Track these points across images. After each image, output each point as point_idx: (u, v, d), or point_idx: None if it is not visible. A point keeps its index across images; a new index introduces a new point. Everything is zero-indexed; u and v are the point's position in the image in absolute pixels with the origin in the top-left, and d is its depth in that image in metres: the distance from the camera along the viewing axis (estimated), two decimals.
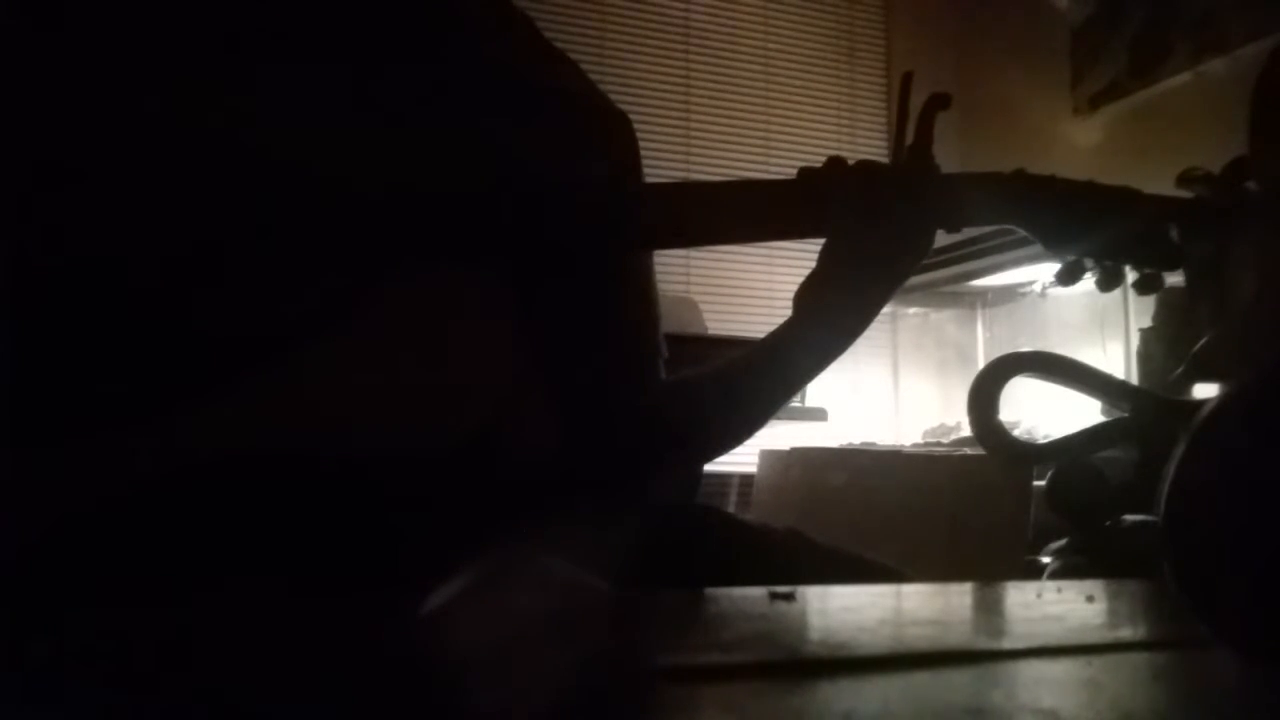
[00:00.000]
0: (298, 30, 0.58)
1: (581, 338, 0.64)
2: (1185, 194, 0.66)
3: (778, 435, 2.61)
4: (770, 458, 2.66)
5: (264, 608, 0.44)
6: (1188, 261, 0.65)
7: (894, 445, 2.81)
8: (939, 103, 0.71)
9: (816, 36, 3.36)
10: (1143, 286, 0.71)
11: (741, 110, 3.24)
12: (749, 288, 3.05)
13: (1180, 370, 0.52)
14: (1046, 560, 0.91)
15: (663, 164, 3.03)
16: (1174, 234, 0.68)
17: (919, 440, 2.84)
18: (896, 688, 0.33)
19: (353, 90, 0.57)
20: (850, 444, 2.79)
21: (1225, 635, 0.34)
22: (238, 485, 0.49)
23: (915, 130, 0.71)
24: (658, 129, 3.08)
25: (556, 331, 0.61)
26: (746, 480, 2.69)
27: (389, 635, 0.38)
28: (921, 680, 0.34)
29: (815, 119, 3.32)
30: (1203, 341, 0.52)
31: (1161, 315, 1.87)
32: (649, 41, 3.15)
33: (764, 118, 3.26)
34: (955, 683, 0.34)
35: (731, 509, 2.57)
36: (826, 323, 0.72)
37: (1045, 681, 0.35)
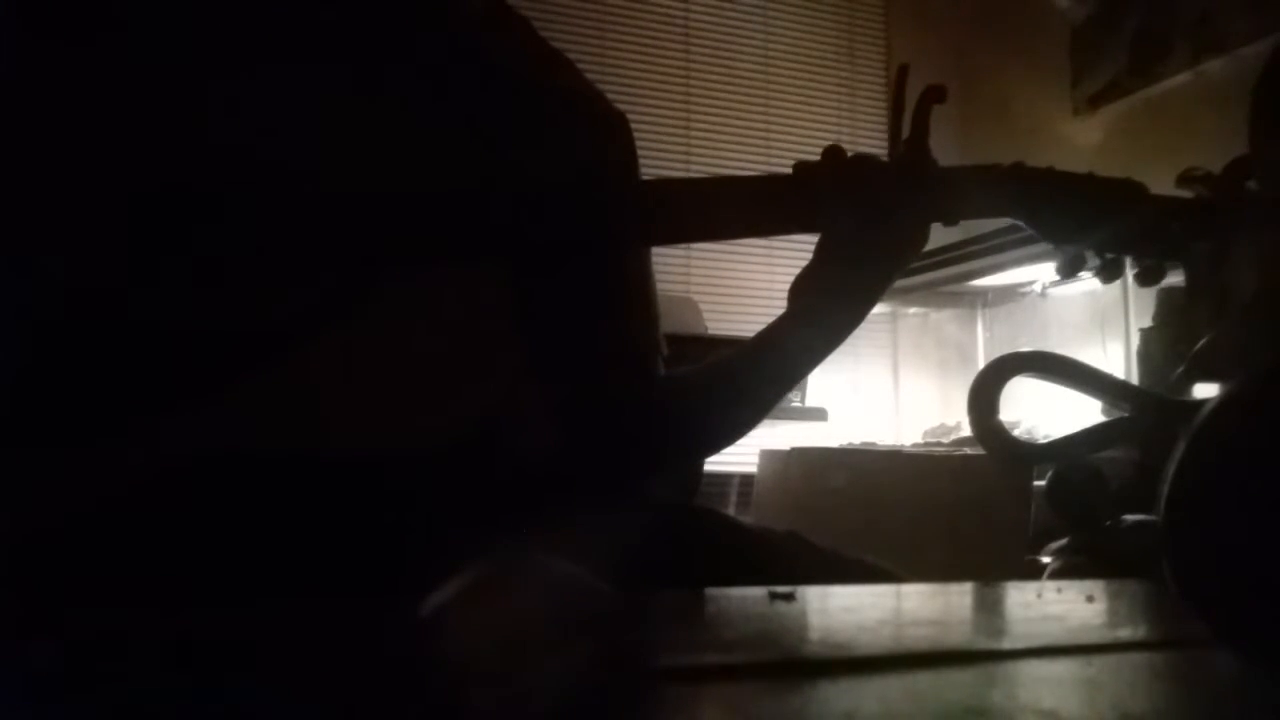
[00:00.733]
0: (296, 30, 0.58)
1: (579, 336, 0.64)
2: (1185, 193, 0.66)
3: (778, 435, 2.61)
4: (770, 458, 2.66)
5: (264, 607, 0.44)
6: (1188, 260, 0.65)
7: (894, 445, 2.81)
8: (934, 95, 0.70)
9: (816, 36, 3.36)
10: (1144, 278, 0.70)
11: (741, 110, 3.23)
12: (749, 287, 3.05)
13: (1180, 370, 0.52)
14: (1046, 560, 0.91)
15: (663, 164, 3.03)
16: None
17: (919, 440, 2.84)
18: (897, 688, 0.33)
19: (351, 90, 0.57)
20: (850, 444, 2.79)
21: (1225, 635, 0.34)
22: (237, 485, 0.49)
23: (911, 123, 0.71)
24: (658, 129, 3.08)
25: (554, 330, 0.61)
26: (746, 480, 2.69)
27: (389, 635, 0.38)
28: (922, 680, 0.34)
29: (815, 119, 3.32)
30: (1203, 341, 0.52)
31: (1161, 315, 1.87)
32: (649, 41, 3.15)
33: (764, 117, 3.26)
34: (955, 683, 0.34)
35: (731, 509, 2.57)
36: (822, 316, 0.72)
37: (1045, 681, 0.35)
